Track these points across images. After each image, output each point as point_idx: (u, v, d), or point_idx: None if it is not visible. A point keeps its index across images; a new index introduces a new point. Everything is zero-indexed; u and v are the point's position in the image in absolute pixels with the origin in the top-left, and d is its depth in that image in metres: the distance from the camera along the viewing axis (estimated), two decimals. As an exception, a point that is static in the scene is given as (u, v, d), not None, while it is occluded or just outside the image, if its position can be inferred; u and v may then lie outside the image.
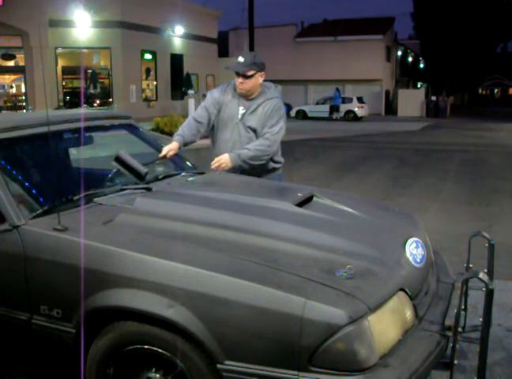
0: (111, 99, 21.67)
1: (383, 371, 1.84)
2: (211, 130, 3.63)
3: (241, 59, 3.45)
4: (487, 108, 49.21)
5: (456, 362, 2.11)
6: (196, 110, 3.62)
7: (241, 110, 3.51)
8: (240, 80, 3.44)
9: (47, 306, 2.19)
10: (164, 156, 3.36)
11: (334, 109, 28.65)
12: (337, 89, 29.72)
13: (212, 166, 3.39)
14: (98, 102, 21.23)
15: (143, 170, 2.96)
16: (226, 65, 3.43)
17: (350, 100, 29.07)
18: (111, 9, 20.85)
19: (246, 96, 3.51)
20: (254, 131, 3.51)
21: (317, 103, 30.37)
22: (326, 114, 29.09)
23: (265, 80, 3.58)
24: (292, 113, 29.15)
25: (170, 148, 3.38)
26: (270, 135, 3.46)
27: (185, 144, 3.50)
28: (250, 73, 3.42)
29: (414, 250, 2.40)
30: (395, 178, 9.63)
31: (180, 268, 1.98)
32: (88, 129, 3.14)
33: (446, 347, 2.10)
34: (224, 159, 3.38)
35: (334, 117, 28.37)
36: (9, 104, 20.13)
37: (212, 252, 2.09)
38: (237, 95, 3.53)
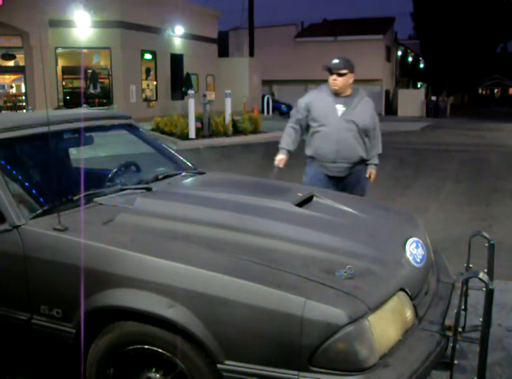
0: (99, 107, 21.42)
1: (383, 371, 1.84)
2: (305, 129, 4.13)
3: (336, 60, 3.96)
4: (487, 108, 49.16)
5: (456, 362, 2.11)
6: (290, 119, 4.19)
7: (341, 108, 3.96)
8: (334, 77, 3.91)
9: (47, 306, 2.19)
10: (278, 167, 4.06)
11: None
12: None
13: (371, 181, 4.14)
14: (85, 105, 20.70)
15: None
16: (324, 65, 4.03)
17: (350, 100, 28.97)
18: (111, 9, 20.84)
19: (339, 94, 3.97)
20: (357, 125, 3.96)
21: None
22: None
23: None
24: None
25: (280, 159, 4.08)
26: (378, 132, 4.13)
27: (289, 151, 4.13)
28: (343, 71, 3.90)
29: (414, 250, 2.40)
30: (395, 178, 9.62)
31: (180, 268, 1.98)
32: (88, 129, 3.14)
33: (446, 347, 2.11)
34: (373, 173, 4.12)
35: None
36: (9, 104, 20.12)
37: (213, 252, 2.09)
38: (330, 95, 3.98)
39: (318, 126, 4.00)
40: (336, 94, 3.97)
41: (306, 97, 4.11)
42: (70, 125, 2.99)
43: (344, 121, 3.94)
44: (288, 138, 4.12)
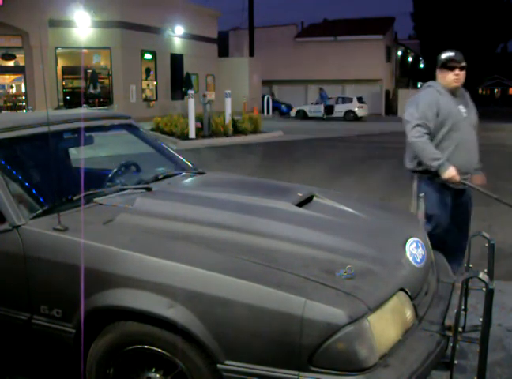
0: (98, 107, 21.25)
1: (383, 371, 1.84)
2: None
3: (452, 53, 3.51)
4: (487, 108, 49.04)
5: (456, 362, 2.11)
6: (417, 130, 3.47)
7: (462, 109, 3.52)
8: (456, 71, 3.48)
9: (47, 306, 2.19)
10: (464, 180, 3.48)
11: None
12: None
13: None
14: (85, 105, 20.27)
15: None
16: (440, 60, 3.49)
17: (350, 100, 28.99)
18: (111, 9, 20.87)
19: (455, 92, 3.51)
20: (476, 128, 3.58)
21: (315, 104, 30.38)
22: (321, 115, 28.98)
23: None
24: (292, 113, 29.10)
25: (455, 175, 3.40)
26: None
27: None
28: (465, 64, 3.50)
29: (414, 250, 2.40)
30: (395, 178, 9.60)
31: (180, 268, 1.98)
32: (88, 129, 3.14)
33: (446, 347, 2.11)
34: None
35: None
36: (9, 104, 20.13)
37: (213, 252, 2.09)
38: (449, 95, 3.50)
39: (447, 132, 3.44)
40: (453, 93, 3.48)
41: (427, 98, 3.50)
42: (70, 125, 2.99)
43: (469, 125, 3.49)
44: (434, 148, 3.45)
